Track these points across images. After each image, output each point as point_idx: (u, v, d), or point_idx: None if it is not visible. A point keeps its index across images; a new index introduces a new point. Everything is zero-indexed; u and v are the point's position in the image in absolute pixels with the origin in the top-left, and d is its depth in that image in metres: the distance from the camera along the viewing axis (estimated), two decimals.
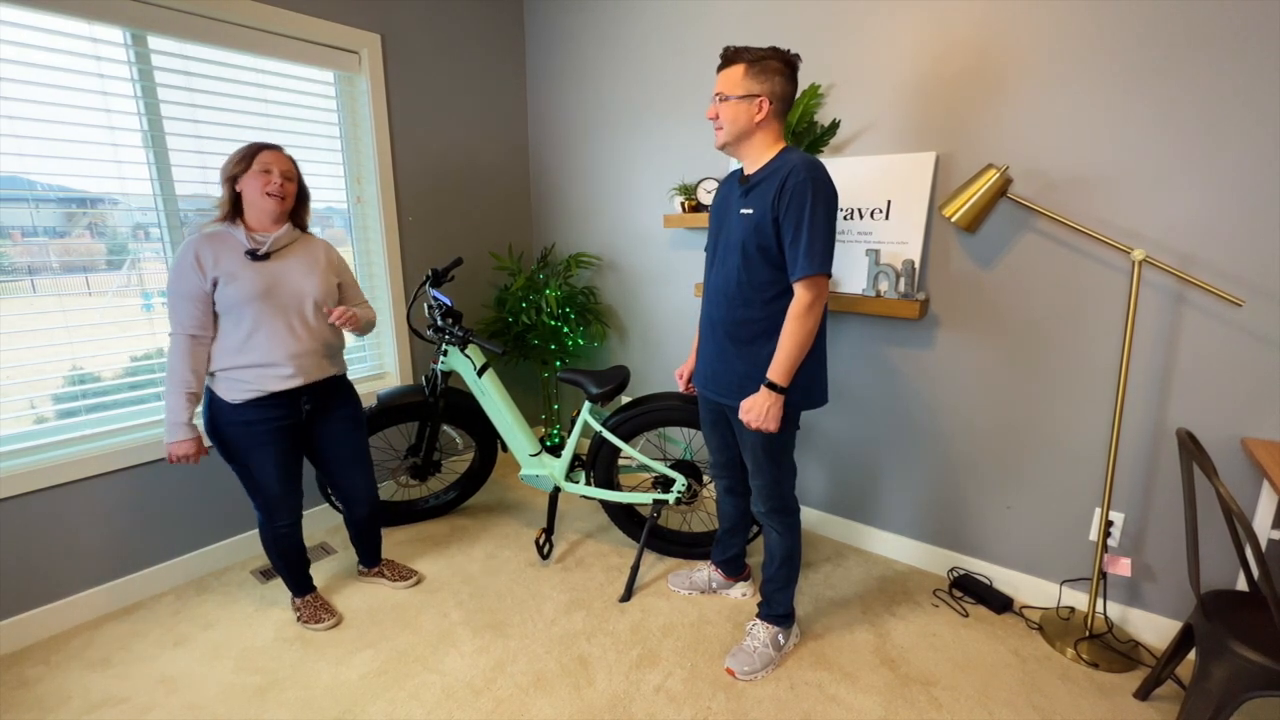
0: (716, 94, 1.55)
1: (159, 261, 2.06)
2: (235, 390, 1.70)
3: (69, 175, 1.87)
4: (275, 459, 1.80)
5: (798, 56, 1.54)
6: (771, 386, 1.54)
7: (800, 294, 1.50)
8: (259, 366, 1.70)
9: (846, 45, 2.13)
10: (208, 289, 1.64)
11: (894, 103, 2.07)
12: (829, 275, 1.51)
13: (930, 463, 2.23)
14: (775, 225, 1.51)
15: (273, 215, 1.71)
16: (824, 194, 1.48)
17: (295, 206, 1.79)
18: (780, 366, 1.53)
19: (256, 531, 2.34)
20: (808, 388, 1.62)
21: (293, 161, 1.75)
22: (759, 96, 1.50)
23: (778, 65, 1.50)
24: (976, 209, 1.81)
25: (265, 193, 1.67)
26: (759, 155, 1.57)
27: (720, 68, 1.54)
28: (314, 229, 2.56)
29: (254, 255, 1.69)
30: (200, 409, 1.74)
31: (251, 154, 1.68)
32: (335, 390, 1.91)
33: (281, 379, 1.73)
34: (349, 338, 2.68)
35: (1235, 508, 1.21)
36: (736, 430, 1.74)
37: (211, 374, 1.71)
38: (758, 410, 1.56)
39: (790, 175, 1.48)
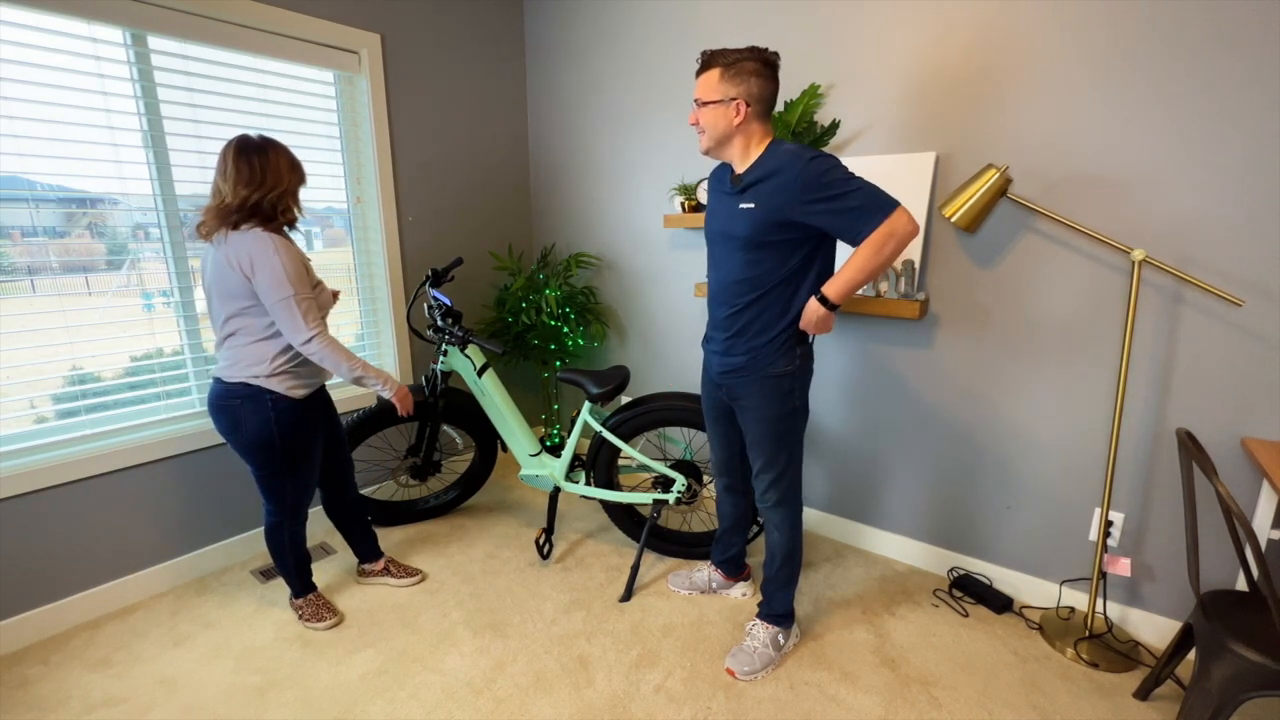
0: (695, 99, 1.55)
1: (159, 261, 2.06)
2: (297, 386, 1.72)
3: (69, 175, 1.87)
4: (322, 449, 1.88)
5: (776, 55, 1.52)
6: (823, 301, 1.55)
7: (881, 227, 1.44)
8: (315, 362, 1.75)
9: (846, 45, 2.13)
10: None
11: (894, 103, 2.07)
12: (897, 203, 1.45)
13: (930, 462, 2.23)
14: (796, 221, 1.50)
15: None
16: (835, 160, 1.48)
17: None
18: (838, 284, 1.52)
19: (257, 531, 2.35)
20: (803, 367, 1.66)
21: None
22: (735, 99, 1.50)
23: (754, 66, 1.49)
24: (976, 209, 1.81)
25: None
26: (746, 155, 1.57)
27: (698, 73, 1.54)
28: (314, 229, 2.58)
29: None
30: (243, 414, 1.70)
31: (301, 166, 1.69)
32: None
33: (324, 372, 1.82)
34: (348, 336, 2.68)
35: (1235, 508, 1.21)
36: (744, 422, 1.74)
37: (271, 375, 1.68)
38: (810, 316, 1.58)
39: (801, 169, 1.46)
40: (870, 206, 1.45)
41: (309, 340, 1.64)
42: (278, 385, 1.69)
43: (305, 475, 1.83)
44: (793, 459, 1.74)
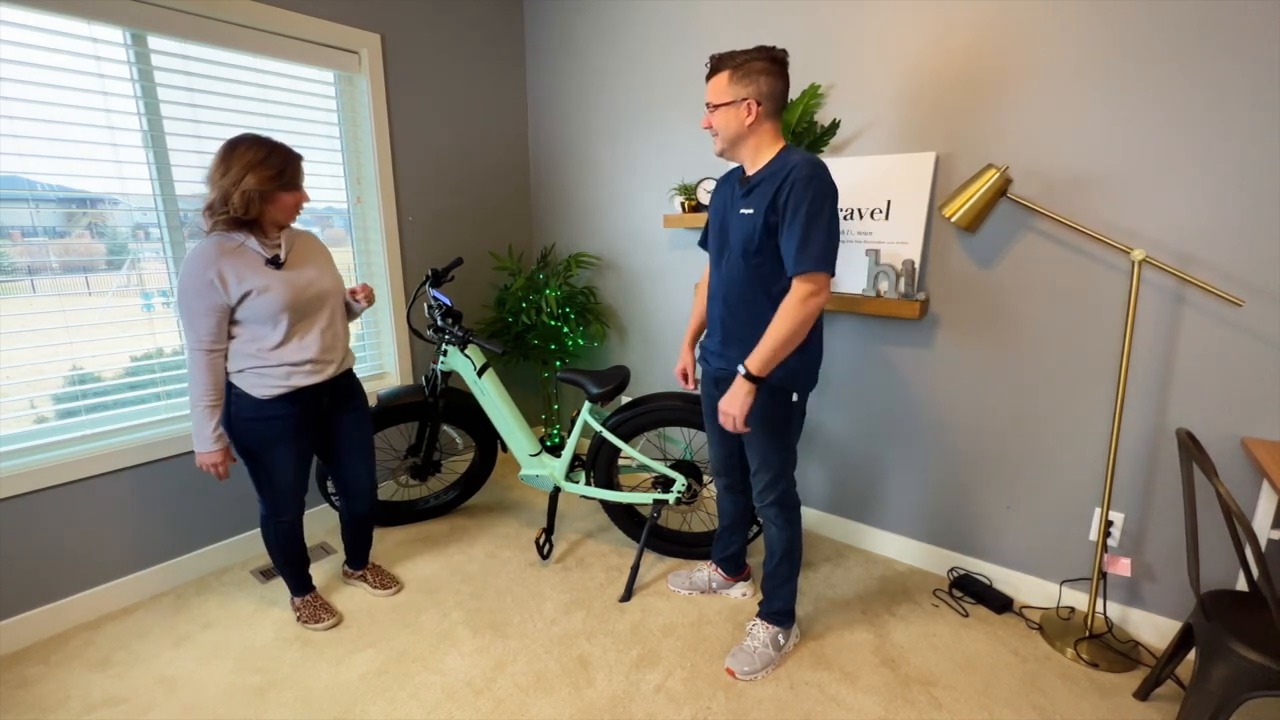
0: (706, 103, 1.56)
1: (159, 261, 2.06)
2: (263, 387, 1.69)
3: (69, 175, 1.87)
4: (295, 452, 1.82)
5: (785, 52, 1.52)
6: (747, 376, 1.53)
7: (795, 288, 1.49)
8: (290, 365, 1.70)
9: (847, 45, 2.13)
10: (231, 304, 1.60)
11: (894, 103, 2.07)
12: (830, 274, 1.48)
13: (930, 463, 2.23)
14: (776, 225, 1.51)
15: (286, 224, 1.71)
16: (825, 191, 1.47)
17: None
18: (759, 356, 1.51)
19: (257, 531, 2.34)
20: (796, 371, 1.62)
21: None
22: (746, 100, 1.50)
23: (763, 65, 1.49)
24: (976, 209, 1.81)
25: (297, 210, 1.69)
26: (757, 157, 1.57)
27: (707, 76, 1.55)
28: (314, 229, 2.57)
29: (277, 264, 1.67)
30: (225, 408, 1.71)
31: (294, 167, 1.63)
32: (349, 383, 1.93)
33: (310, 375, 1.75)
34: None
35: (1235, 508, 1.21)
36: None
37: (239, 371, 1.68)
38: (730, 403, 1.56)
39: (792, 172, 1.48)
40: (819, 245, 1.46)
41: (186, 352, 1.63)
42: (241, 381, 1.69)
43: (276, 473, 1.80)
44: (788, 460, 1.74)
